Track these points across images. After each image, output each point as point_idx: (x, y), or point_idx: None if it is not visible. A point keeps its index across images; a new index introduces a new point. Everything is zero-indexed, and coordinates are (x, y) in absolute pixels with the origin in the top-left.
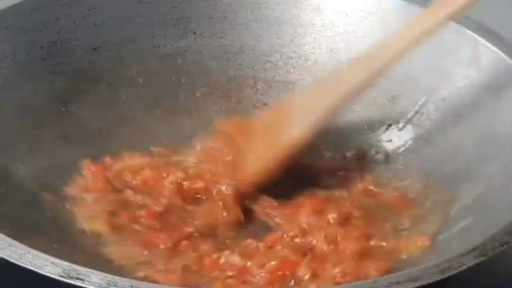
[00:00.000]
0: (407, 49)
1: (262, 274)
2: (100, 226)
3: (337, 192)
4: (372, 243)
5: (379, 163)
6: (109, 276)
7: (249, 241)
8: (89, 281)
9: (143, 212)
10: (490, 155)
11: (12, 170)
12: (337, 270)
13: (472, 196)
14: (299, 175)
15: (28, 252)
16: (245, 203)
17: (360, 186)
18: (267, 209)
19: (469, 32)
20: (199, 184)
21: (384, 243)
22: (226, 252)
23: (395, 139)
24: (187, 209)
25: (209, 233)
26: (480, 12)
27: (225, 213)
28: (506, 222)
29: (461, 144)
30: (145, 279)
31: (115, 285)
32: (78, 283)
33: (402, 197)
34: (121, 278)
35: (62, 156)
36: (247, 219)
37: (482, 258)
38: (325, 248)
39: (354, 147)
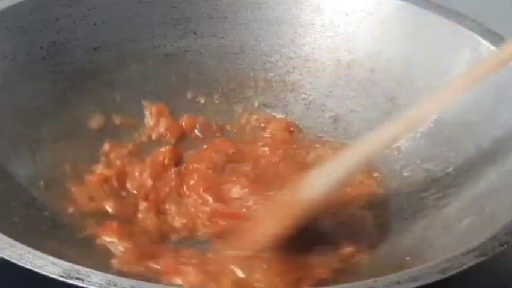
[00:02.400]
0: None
1: None
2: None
3: None
4: None
5: (379, 163)
6: (109, 276)
7: None
8: (89, 281)
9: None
10: (490, 155)
11: (12, 170)
12: None
13: (472, 196)
14: None
15: (28, 252)
16: None
17: None
18: None
19: (469, 32)
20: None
21: None
22: None
23: None
24: None
25: None
26: (480, 13)
27: None
28: (506, 222)
29: (461, 144)
30: None
31: (115, 285)
32: (78, 283)
33: None
34: (120, 278)
35: (62, 156)
36: None
37: (482, 258)
38: None
39: None
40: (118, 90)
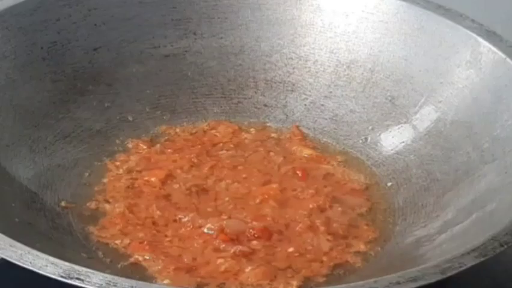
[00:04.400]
0: None
1: None
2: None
3: None
4: None
5: (379, 163)
6: (109, 277)
7: None
8: (89, 281)
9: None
10: (489, 155)
11: (13, 170)
12: None
13: (472, 196)
14: None
15: (28, 253)
16: None
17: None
18: None
19: (469, 32)
20: None
21: None
22: None
23: (395, 139)
24: None
25: None
26: (480, 13)
27: None
28: (506, 222)
29: (461, 144)
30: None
31: (115, 286)
32: (78, 283)
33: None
34: (120, 278)
35: (62, 156)
36: None
37: (482, 259)
38: None
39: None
40: (118, 91)
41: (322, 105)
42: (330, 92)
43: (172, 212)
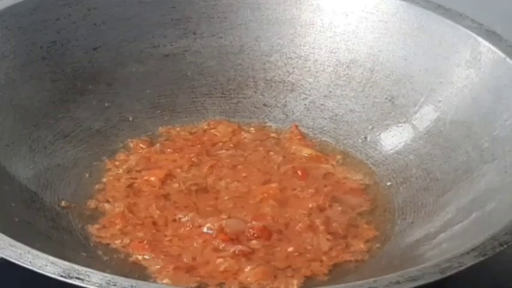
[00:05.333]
0: None
1: None
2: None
3: None
4: None
5: (379, 163)
6: (109, 276)
7: None
8: (88, 281)
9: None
10: (489, 155)
11: (12, 170)
12: None
13: (472, 196)
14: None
15: (28, 252)
16: None
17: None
18: None
19: (469, 32)
20: None
21: None
22: None
23: (394, 139)
24: None
25: None
26: (480, 13)
27: None
28: (506, 221)
29: (461, 144)
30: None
31: (115, 285)
32: (78, 283)
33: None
34: (120, 277)
35: (61, 155)
36: None
37: (482, 258)
38: None
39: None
40: (117, 90)
41: (322, 104)
42: (330, 92)
43: (172, 211)
